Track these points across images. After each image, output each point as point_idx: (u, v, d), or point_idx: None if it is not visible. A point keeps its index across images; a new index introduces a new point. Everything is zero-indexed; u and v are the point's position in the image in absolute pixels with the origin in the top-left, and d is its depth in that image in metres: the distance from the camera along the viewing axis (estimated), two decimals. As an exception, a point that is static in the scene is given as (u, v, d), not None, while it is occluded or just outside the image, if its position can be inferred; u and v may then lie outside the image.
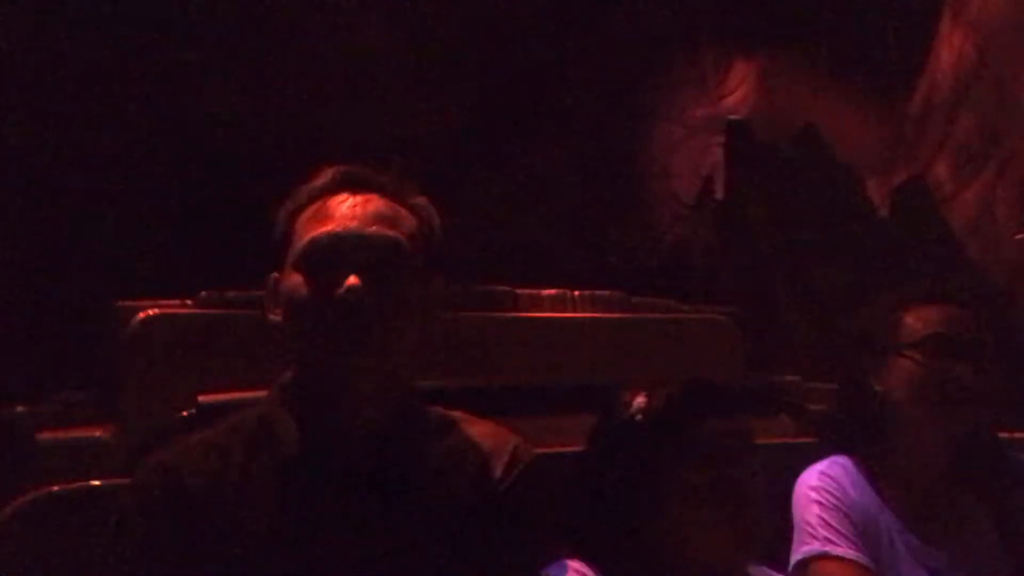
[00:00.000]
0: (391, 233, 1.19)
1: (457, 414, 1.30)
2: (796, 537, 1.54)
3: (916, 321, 1.57)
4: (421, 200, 1.28)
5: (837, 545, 1.49)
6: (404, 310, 1.18)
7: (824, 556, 1.48)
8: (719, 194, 4.46)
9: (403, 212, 1.23)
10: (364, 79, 3.72)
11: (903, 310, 1.60)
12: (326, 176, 1.26)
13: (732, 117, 4.76)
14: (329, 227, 1.19)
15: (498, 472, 1.23)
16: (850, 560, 1.47)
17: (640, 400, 1.36)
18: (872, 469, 1.56)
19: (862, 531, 1.50)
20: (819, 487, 1.54)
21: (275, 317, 1.22)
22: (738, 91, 4.86)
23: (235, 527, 1.15)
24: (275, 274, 1.24)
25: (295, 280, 1.19)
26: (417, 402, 1.27)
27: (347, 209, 1.20)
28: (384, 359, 1.18)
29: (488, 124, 4.04)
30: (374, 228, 1.19)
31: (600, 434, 1.38)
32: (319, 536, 1.15)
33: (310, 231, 1.20)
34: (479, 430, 1.27)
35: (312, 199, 1.24)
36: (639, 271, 3.47)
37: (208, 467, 1.18)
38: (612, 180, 4.37)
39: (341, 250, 1.17)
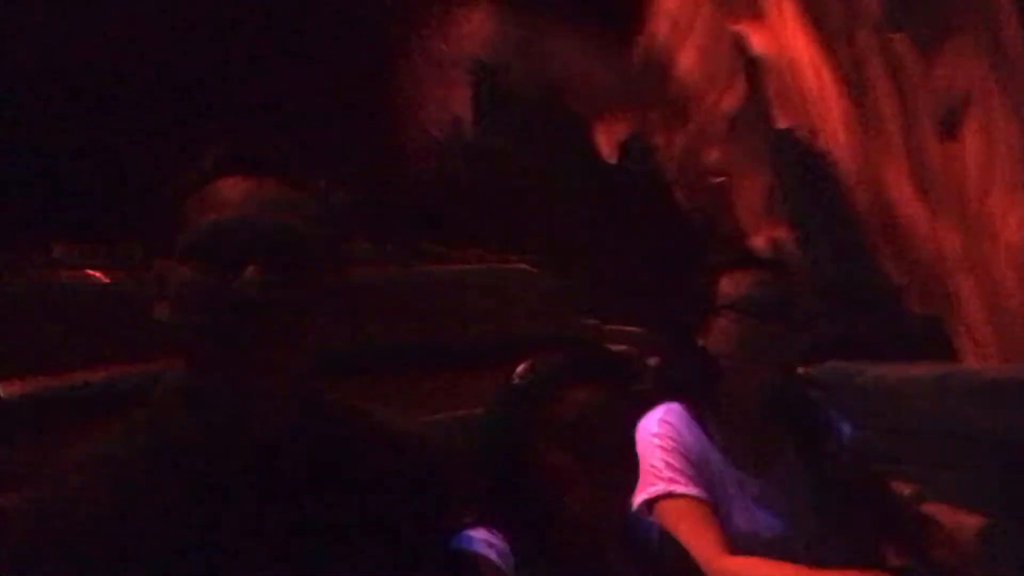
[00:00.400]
0: (290, 219, 1.12)
1: (358, 402, 1.29)
2: (640, 479, 1.74)
3: (730, 285, 1.81)
4: (319, 181, 1.26)
5: (680, 484, 1.70)
6: (306, 301, 1.12)
7: (669, 495, 1.69)
8: (468, 135, 4.59)
9: (301, 195, 1.16)
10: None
11: (720, 274, 1.83)
12: (216, 155, 1.17)
13: (476, 56, 4.87)
14: (222, 214, 1.10)
15: (410, 456, 1.23)
16: (692, 497, 1.69)
17: (522, 367, 1.47)
18: (700, 414, 1.80)
19: (699, 470, 1.73)
20: (660, 432, 1.75)
21: (162, 311, 1.13)
22: (481, 30, 4.97)
23: (147, 548, 1.08)
24: (162, 262, 1.14)
25: (185, 271, 1.10)
26: (322, 393, 1.23)
27: (241, 193, 1.12)
28: (288, 354, 1.12)
29: (232, 57, 3.85)
30: (272, 214, 1.11)
31: (493, 401, 1.47)
32: (238, 540, 1.11)
33: (201, 217, 1.11)
34: (382, 416, 1.27)
35: (202, 181, 1.15)
36: (411, 216, 3.51)
37: (108, 487, 1.09)
38: (364, 116, 4.34)
39: (236, 239, 1.09)
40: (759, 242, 4.76)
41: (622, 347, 2.53)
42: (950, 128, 5.17)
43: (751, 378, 1.80)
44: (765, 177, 5.06)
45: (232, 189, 1.13)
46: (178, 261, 1.11)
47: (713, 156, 5.29)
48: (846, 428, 1.87)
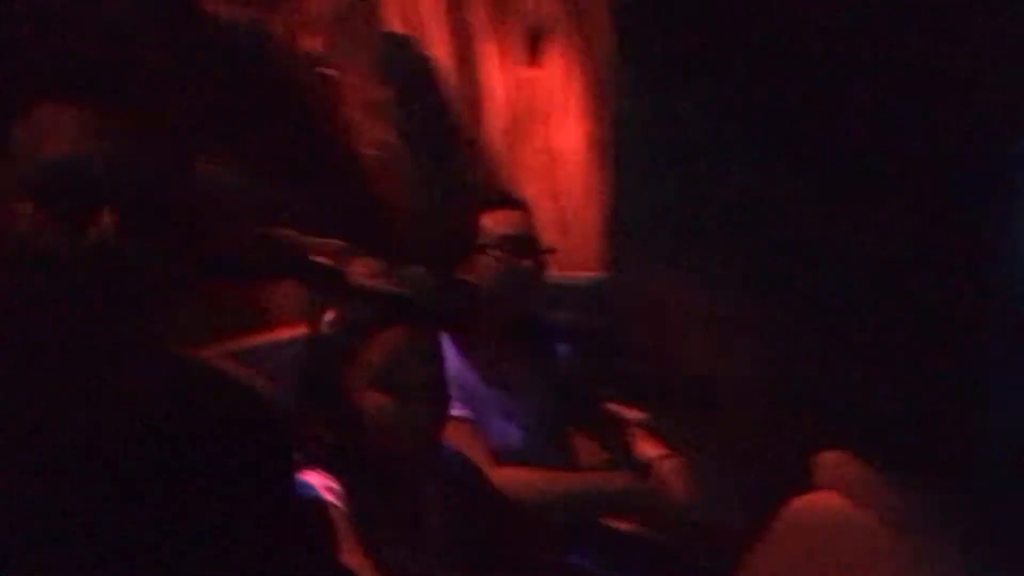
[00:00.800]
0: (145, 155, 1.01)
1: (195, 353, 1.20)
2: None
3: (490, 223, 1.98)
4: (169, 114, 1.15)
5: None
6: (171, 252, 1.02)
7: None
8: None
9: (154, 127, 1.04)
10: None
11: (480, 213, 1.99)
12: (50, 76, 1.04)
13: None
14: (70, 148, 0.97)
15: (243, 403, 1.15)
16: (460, 418, 1.85)
17: (330, 316, 1.51)
18: (462, 341, 1.95)
19: (463, 392, 1.89)
20: (430, 359, 1.87)
21: None
22: None
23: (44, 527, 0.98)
24: None
25: (22, 211, 0.95)
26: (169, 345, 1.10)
27: (84, 125, 0.99)
28: (150, 314, 1.01)
29: None
30: (126, 150, 0.99)
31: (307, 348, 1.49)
32: (106, 513, 1.01)
33: (38, 151, 0.97)
34: (210, 363, 1.20)
35: (35, 106, 1.00)
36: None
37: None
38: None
39: (91, 180, 0.96)
40: (367, 144, 4.89)
41: (322, 259, 2.54)
42: (533, 52, 5.70)
43: (506, 308, 1.99)
44: (374, 77, 5.16)
45: (72, 119, 0.99)
46: (11, 199, 0.96)
47: (316, 45, 5.24)
48: (559, 343, 2.16)
